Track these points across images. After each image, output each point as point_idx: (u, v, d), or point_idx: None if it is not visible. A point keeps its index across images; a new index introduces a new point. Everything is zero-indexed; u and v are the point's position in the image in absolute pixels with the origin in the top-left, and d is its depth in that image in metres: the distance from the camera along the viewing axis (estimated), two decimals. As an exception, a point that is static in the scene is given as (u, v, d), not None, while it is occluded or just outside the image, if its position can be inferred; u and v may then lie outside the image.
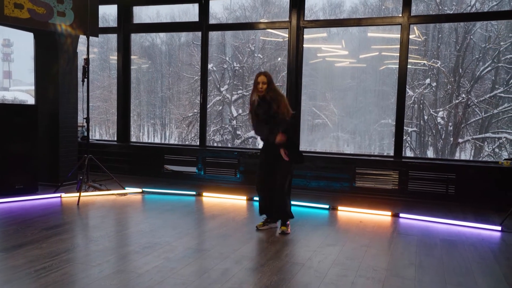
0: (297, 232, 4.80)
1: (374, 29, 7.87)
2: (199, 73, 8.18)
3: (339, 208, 5.93)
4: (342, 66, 8.70)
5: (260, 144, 6.13)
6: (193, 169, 7.87)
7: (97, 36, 7.18)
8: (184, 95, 11.49)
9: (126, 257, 3.84)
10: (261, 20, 9.74)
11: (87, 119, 6.48)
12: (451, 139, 9.28)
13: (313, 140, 9.54)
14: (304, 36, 7.37)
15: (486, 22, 8.89)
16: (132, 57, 8.79)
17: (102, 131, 12.91)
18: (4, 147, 6.12)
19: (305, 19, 7.35)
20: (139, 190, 6.76)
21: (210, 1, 7.89)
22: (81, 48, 7.39)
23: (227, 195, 6.53)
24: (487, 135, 9.15)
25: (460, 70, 9.21)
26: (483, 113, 9.12)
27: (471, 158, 9.05)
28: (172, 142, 11.78)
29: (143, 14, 9.02)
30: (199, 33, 8.05)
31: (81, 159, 6.52)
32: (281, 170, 4.72)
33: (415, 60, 9.06)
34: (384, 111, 8.77)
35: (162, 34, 11.22)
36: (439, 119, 9.34)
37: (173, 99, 11.68)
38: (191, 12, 8.85)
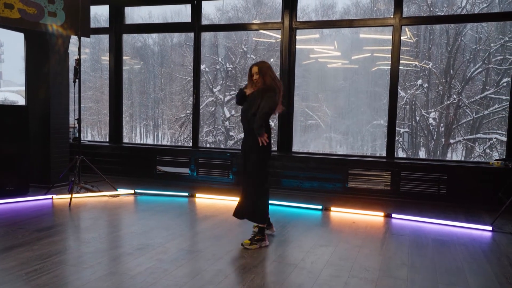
0: (290, 233, 4.81)
1: (366, 30, 7.90)
2: (192, 74, 8.18)
3: (332, 208, 5.95)
4: (334, 67, 8.74)
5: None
6: (186, 170, 7.86)
7: (89, 37, 7.14)
8: (177, 96, 11.48)
9: (119, 258, 3.82)
10: (254, 21, 9.76)
11: (79, 120, 6.45)
12: (443, 139, 9.35)
13: (306, 141, 9.57)
14: (297, 37, 7.39)
15: (476, 24, 8.97)
16: (124, 57, 8.76)
17: (94, 132, 12.86)
18: (-5, 149, 6.09)
19: (298, 20, 7.37)
20: (132, 191, 6.73)
21: (202, 2, 7.89)
22: (73, 48, 7.36)
23: (220, 196, 6.53)
24: (478, 135, 9.23)
25: (451, 71, 9.28)
26: (474, 114, 9.20)
27: (463, 159, 9.12)
28: (164, 143, 11.77)
29: (135, 14, 8.99)
30: (192, 34, 8.05)
31: (73, 160, 6.49)
32: (250, 165, 4.37)
33: (407, 61, 9.13)
34: (376, 112, 8.82)
35: (154, 35, 11.20)
36: (430, 120, 9.41)
37: (166, 100, 11.67)
38: (183, 13, 8.84)
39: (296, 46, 7.42)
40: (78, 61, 6.26)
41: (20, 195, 6.18)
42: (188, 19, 7.99)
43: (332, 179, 7.01)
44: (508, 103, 6.75)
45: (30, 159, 6.55)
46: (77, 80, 6.29)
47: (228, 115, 11.16)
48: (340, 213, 5.81)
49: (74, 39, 7.08)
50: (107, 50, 8.79)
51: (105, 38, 9.68)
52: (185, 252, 4.01)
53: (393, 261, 3.92)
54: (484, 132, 9.19)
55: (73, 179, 6.30)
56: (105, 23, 9.02)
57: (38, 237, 4.34)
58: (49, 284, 3.17)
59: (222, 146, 10.91)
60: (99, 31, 8.95)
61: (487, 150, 9.19)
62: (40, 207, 5.72)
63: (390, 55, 6.90)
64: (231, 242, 4.37)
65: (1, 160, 6.13)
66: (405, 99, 9.39)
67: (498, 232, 5.01)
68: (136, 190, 6.77)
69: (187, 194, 6.68)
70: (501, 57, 9.00)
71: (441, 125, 9.37)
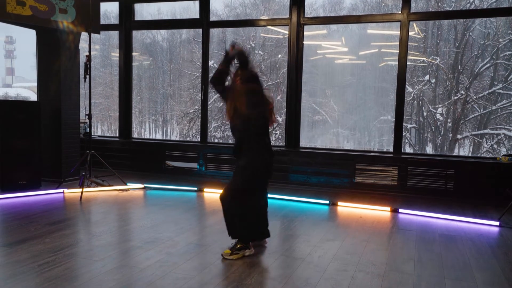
0: (297, 227, 4.85)
1: (373, 26, 7.89)
2: (200, 70, 8.22)
3: (339, 203, 5.98)
4: (342, 63, 8.73)
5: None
6: (195, 165, 7.92)
7: (99, 33, 7.21)
8: (185, 92, 11.54)
9: (128, 252, 3.88)
10: (262, 17, 9.77)
11: (89, 116, 6.52)
12: (450, 135, 9.33)
13: (313, 136, 9.59)
14: (304, 33, 7.40)
15: (485, 19, 8.92)
16: (134, 54, 8.82)
17: (104, 127, 12.98)
18: (8, 144, 6.17)
19: (305, 16, 7.38)
20: (141, 186, 6.81)
21: (210, -2, 7.92)
22: (83, 45, 7.41)
23: (228, 191, 6.56)
24: (485, 131, 9.20)
25: (459, 66, 9.25)
26: (481, 110, 9.16)
27: (470, 154, 9.10)
28: (173, 138, 11.85)
29: (144, 11, 9.05)
30: (200, 30, 8.07)
31: (84, 155, 6.57)
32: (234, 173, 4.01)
33: (415, 57, 9.10)
34: (383, 107, 8.82)
35: (163, 31, 11.25)
36: (438, 116, 9.39)
37: (174, 96, 11.73)
38: (192, 9, 8.88)
39: (304, 42, 7.43)
40: (89, 58, 6.31)
41: (32, 189, 6.27)
42: (197, 15, 8.03)
43: (339, 174, 7.03)
44: (516, 98, 6.73)
45: (42, 154, 6.63)
46: (87, 76, 6.34)
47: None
48: (347, 208, 5.84)
49: (84, 35, 7.14)
50: (116, 46, 8.86)
51: (114, 35, 9.75)
52: (194, 246, 4.06)
53: (400, 256, 3.95)
54: (492, 128, 9.15)
55: (84, 173, 6.38)
56: (114, 20, 9.08)
57: (50, 230, 4.42)
58: (60, 276, 3.24)
59: (230, 141, 10.96)
60: (109, 27, 9.01)
61: (495, 146, 9.15)
62: (52, 201, 5.80)
63: (397, 51, 6.89)
64: (239, 236, 4.42)
65: (14, 155, 6.22)
66: (412, 95, 9.37)
67: (506, 228, 5.02)
68: (145, 185, 6.84)
69: (195, 188, 6.74)
70: (510, 52, 8.95)
71: (449, 120, 9.35)
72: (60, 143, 6.99)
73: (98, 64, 12.05)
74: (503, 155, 6.48)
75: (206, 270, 3.46)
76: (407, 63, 6.92)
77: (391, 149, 7.13)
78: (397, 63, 6.94)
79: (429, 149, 9.63)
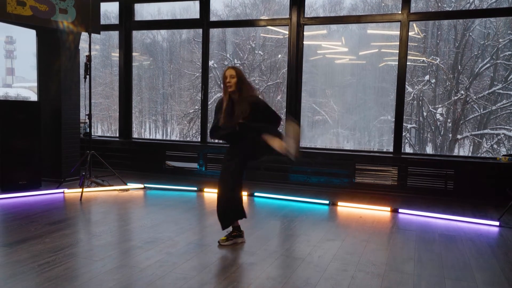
0: (298, 227, 4.85)
1: (373, 26, 7.89)
2: (200, 70, 8.22)
3: (339, 203, 5.98)
4: (342, 63, 8.73)
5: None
6: (194, 165, 7.92)
7: (99, 33, 7.21)
8: (185, 92, 11.54)
9: (128, 252, 3.88)
10: (262, 17, 9.77)
11: (89, 116, 6.52)
12: (450, 135, 9.33)
13: (313, 136, 9.59)
14: (304, 33, 7.41)
15: (485, 19, 8.92)
16: (134, 54, 8.82)
17: (104, 127, 12.98)
18: (8, 144, 6.17)
19: (305, 16, 7.38)
20: (141, 186, 6.81)
21: (210, -2, 7.92)
22: (83, 45, 7.42)
23: (228, 191, 6.55)
24: (485, 131, 9.20)
25: (459, 66, 9.25)
26: (481, 110, 9.16)
27: (470, 154, 9.10)
28: (173, 138, 11.84)
29: (144, 11, 9.06)
30: (200, 30, 8.08)
31: (84, 155, 6.57)
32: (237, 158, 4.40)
33: (414, 57, 9.10)
34: (383, 107, 8.82)
35: (163, 31, 11.25)
36: (438, 116, 9.39)
37: (175, 96, 11.74)
38: (192, 9, 8.88)
39: (304, 42, 7.43)
40: (89, 58, 6.32)
41: (32, 189, 6.27)
42: (197, 16, 8.03)
43: (339, 174, 7.03)
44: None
45: (42, 154, 6.63)
46: (87, 76, 6.34)
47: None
48: (347, 208, 5.84)
49: (84, 35, 7.14)
50: (117, 46, 8.86)
51: (115, 35, 9.75)
52: (194, 246, 4.06)
53: (400, 255, 3.95)
54: (492, 128, 9.16)
55: (84, 173, 6.38)
56: (115, 20, 9.08)
57: (50, 230, 4.42)
58: (60, 276, 3.23)
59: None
60: (109, 27, 9.01)
61: (495, 146, 9.16)
62: (52, 201, 5.80)
63: (397, 51, 6.89)
64: (239, 236, 4.42)
65: (14, 155, 6.23)
66: (412, 95, 9.37)
67: (505, 228, 5.02)
68: (145, 185, 6.84)
69: (195, 188, 6.74)
70: (510, 52, 8.95)
71: (449, 120, 9.36)
72: (60, 143, 6.99)
73: (98, 64, 12.05)
74: (503, 155, 6.49)
75: (206, 270, 3.46)
76: (407, 63, 6.92)
77: (391, 149, 7.14)
78: (397, 63, 6.94)
79: (429, 149, 9.63)
